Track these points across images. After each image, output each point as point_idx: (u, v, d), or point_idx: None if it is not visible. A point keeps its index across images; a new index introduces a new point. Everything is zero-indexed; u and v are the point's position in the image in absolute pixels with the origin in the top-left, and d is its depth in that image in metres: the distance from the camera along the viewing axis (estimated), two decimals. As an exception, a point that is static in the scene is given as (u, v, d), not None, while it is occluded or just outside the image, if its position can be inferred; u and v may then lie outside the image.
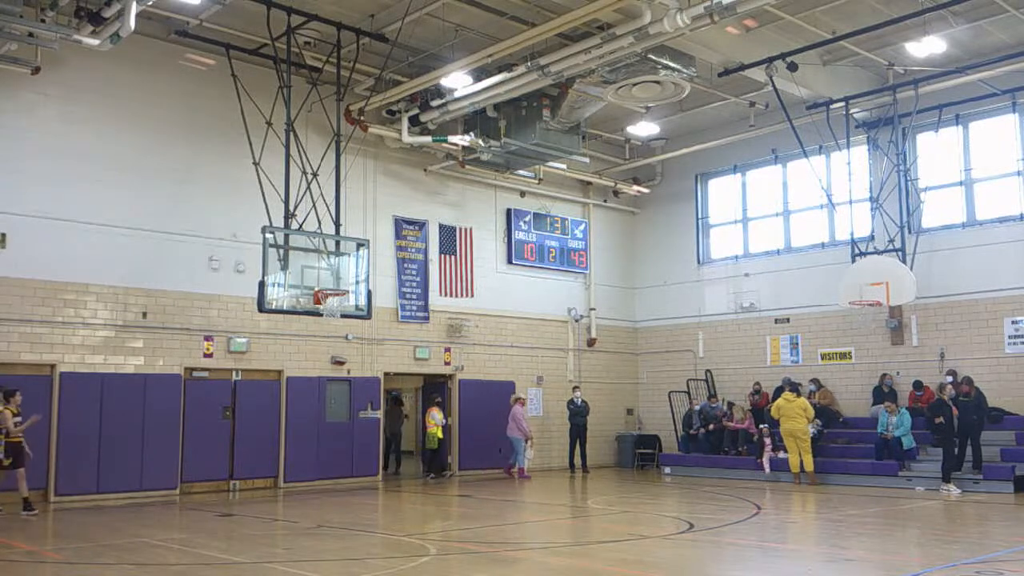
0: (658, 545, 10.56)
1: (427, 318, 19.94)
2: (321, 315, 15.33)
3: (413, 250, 19.97)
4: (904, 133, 18.74)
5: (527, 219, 22.13)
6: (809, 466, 17.43)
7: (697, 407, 20.96)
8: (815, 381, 19.79)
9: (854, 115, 18.89)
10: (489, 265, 21.33)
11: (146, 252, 16.18)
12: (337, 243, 15.56)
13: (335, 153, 15.97)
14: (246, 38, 16.55)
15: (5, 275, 14.76)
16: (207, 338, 16.80)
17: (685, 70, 15.91)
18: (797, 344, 20.97)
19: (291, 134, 15.52)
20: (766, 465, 18.28)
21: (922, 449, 17.10)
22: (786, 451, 17.97)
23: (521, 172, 21.40)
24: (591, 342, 23.08)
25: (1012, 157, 18.25)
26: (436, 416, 19.33)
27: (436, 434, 19.32)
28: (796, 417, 17.47)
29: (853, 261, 18.45)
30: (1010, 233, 17.96)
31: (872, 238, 18.49)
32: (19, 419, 13.29)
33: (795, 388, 18.34)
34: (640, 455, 22.29)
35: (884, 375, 18.93)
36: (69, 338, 15.35)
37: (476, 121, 18.52)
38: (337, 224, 15.76)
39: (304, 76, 16.52)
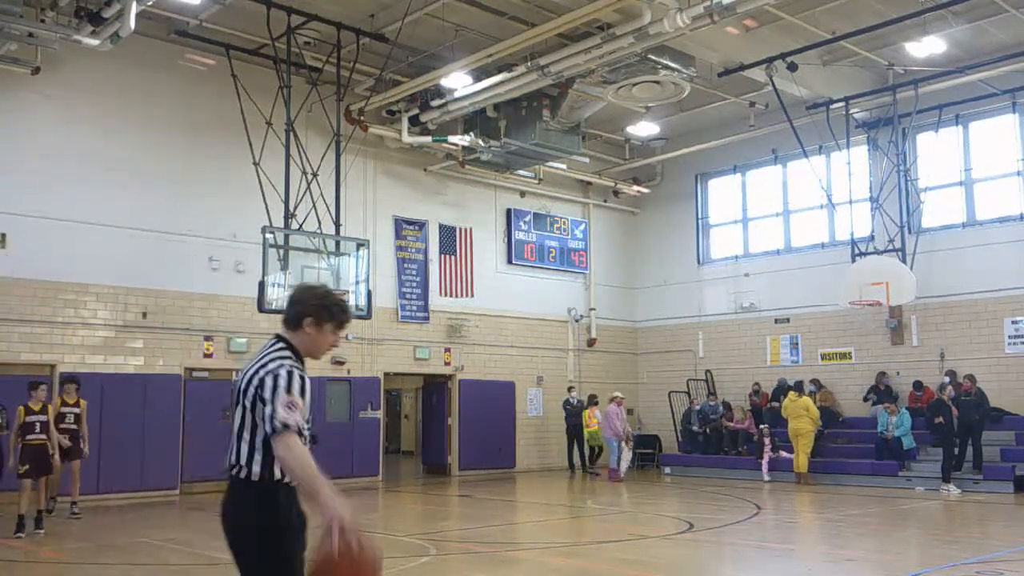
0: (658, 545, 10.56)
1: (427, 318, 19.94)
2: (321, 315, 15.31)
3: (413, 250, 19.96)
4: (904, 133, 18.73)
5: (527, 219, 22.12)
6: (803, 467, 17.43)
7: (697, 407, 20.97)
8: (815, 382, 19.77)
9: (854, 115, 18.88)
10: (489, 265, 21.33)
11: (146, 252, 16.17)
12: (337, 243, 15.57)
13: (335, 153, 15.98)
14: (246, 38, 16.54)
15: (5, 275, 14.75)
16: (207, 338, 16.79)
17: (685, 70, 15.91)
18: (797, 344, 20.96)
19: (291, 134, 15.52)
20: (764, 467, 18.28)
21: (922, 449, 17.10)
22: (788, 451, 18.02)
23: (521, 172, 21.39)
24: (591, 342, 23.07)
25: (1012, 157, 18.24)
26: (598, 415, 19.89)
27: (597, 432, 19.92)
28: (799, 417, 17.52)
29: (853, 261, 18.44)
30: (1010, 233, 17.95)
31: (872, 238, 18.49)
32: (42, 417, 11.39)
33: (799, 388, 18.36)
34: (640, 455, 22.28)
35: (881, 373, 18.93)
36: (69, 338, 15.34)
37: (476, 121, 18.51)
38: (337, 224, 15.76)
39: (304, 76, 16.50)
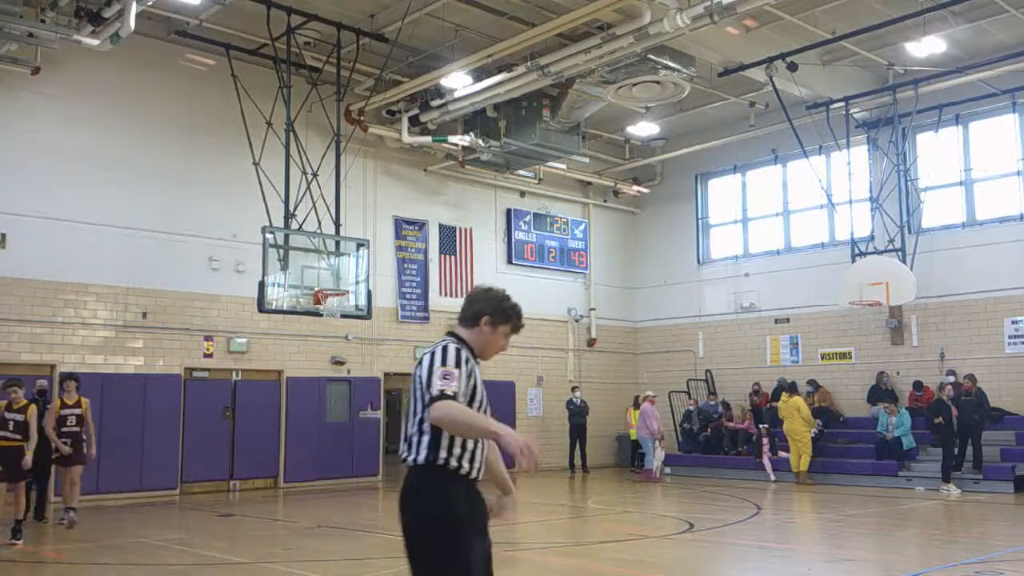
0: (658, 545, 10.56)
1: (427, 318, 19.93)
2: (321, 315, 15.34)
3: (413, 250, 19.96)
4: (904, 133, 18.73)
5: (527, 219, 22.12)
6: (802, 466, 17.43)
7: (695, 407, 20.96)
8: (812, 382, 19.74)
9: (854, 115, 18.88)
10: (489, 265, 21.32)
11: (146, 252, 16.17)
12: (337, 243, 15.56)
13: (335, 153, 15.97)
14: (246, 38, 16.54)
15: (5, 275, 14.75)
16: (207, 338, 16.79)
17: (685, 70, 15.91)
18: (797, 344, 20.96)
19: (291, 134, 15.52)
20: (768, 467, 18.26)
21: (922, 449, 17.10)
22: (785, 451, 18.04)
23: (521, 172, 21.39)
24: (591, 342, 23.07)
25: (1012, 157, 18.24)
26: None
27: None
28: (791, 417, 17.55)
29: (853, 261, 18.44)
30: (1010, 233, 17.95)
31: (872, 238, 18.49)
32: (18, 416, 10.61)
33: (791, 388, 18.35)
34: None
35: (881, 373, 18.92)
36: (69, 338, 15.34)
37: (476, 121, 18.51)
38: (337, 224, 15.76)
39: (304, 76, 16.50)
